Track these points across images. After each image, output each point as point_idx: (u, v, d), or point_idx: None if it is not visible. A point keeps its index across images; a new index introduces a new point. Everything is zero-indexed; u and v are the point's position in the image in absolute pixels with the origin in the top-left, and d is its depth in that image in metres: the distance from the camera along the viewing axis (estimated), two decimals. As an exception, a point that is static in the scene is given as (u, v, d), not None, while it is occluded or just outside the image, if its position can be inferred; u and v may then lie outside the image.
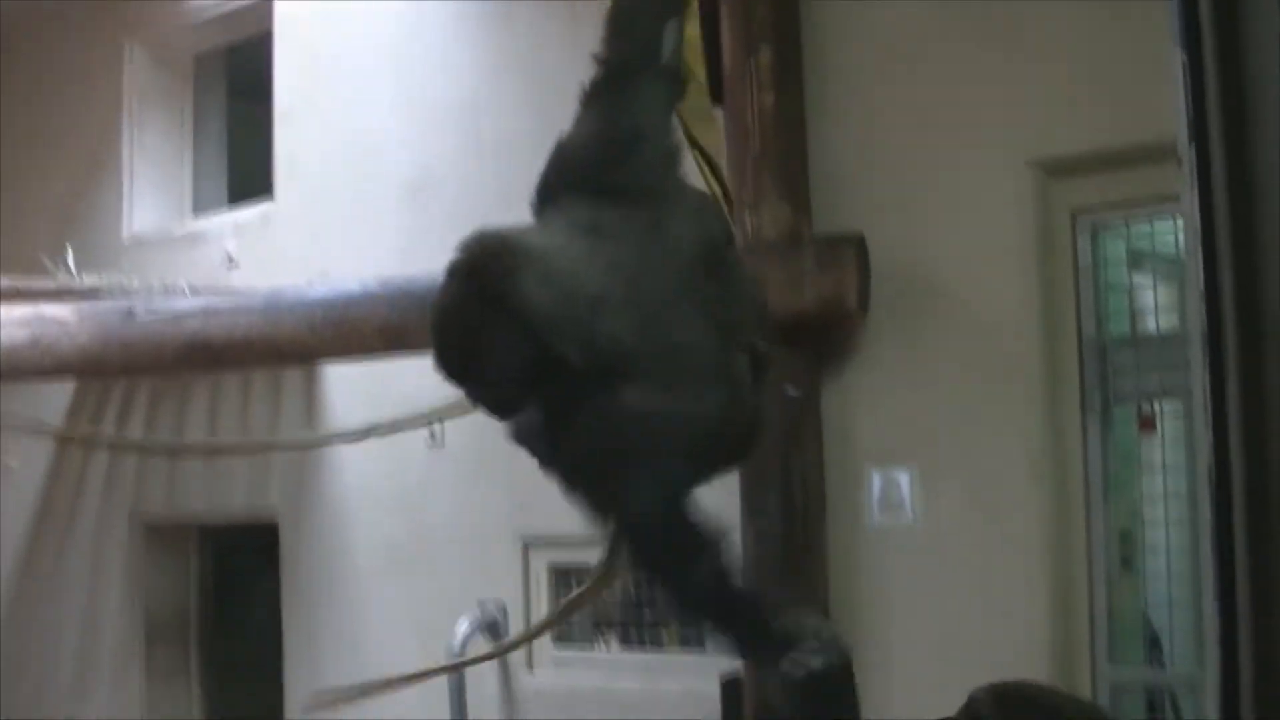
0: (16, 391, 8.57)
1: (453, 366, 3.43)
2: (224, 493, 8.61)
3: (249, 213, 9.07)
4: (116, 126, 9.73)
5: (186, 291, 8.16)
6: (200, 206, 9.79)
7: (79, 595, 9.47)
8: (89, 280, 8.20)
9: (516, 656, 7.40)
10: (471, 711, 7.39)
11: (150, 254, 9.35)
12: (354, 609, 8.07)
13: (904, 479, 6.17)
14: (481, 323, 3.31)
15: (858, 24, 6.36)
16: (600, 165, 3.66)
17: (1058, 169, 5.96)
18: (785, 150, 6.27)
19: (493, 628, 7.48)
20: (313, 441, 7.88)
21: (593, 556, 7.02)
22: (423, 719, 7.52)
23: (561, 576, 7.41)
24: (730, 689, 6.30)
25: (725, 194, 6.15)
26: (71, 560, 9.57)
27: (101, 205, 9.77)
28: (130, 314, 7.51)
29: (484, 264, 3.32)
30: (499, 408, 3.52)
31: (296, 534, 8.34)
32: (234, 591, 9.31)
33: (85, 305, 7.76)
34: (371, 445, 7.59)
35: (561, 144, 3.72)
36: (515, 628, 7.37)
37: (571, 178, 3.64)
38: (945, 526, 6.09)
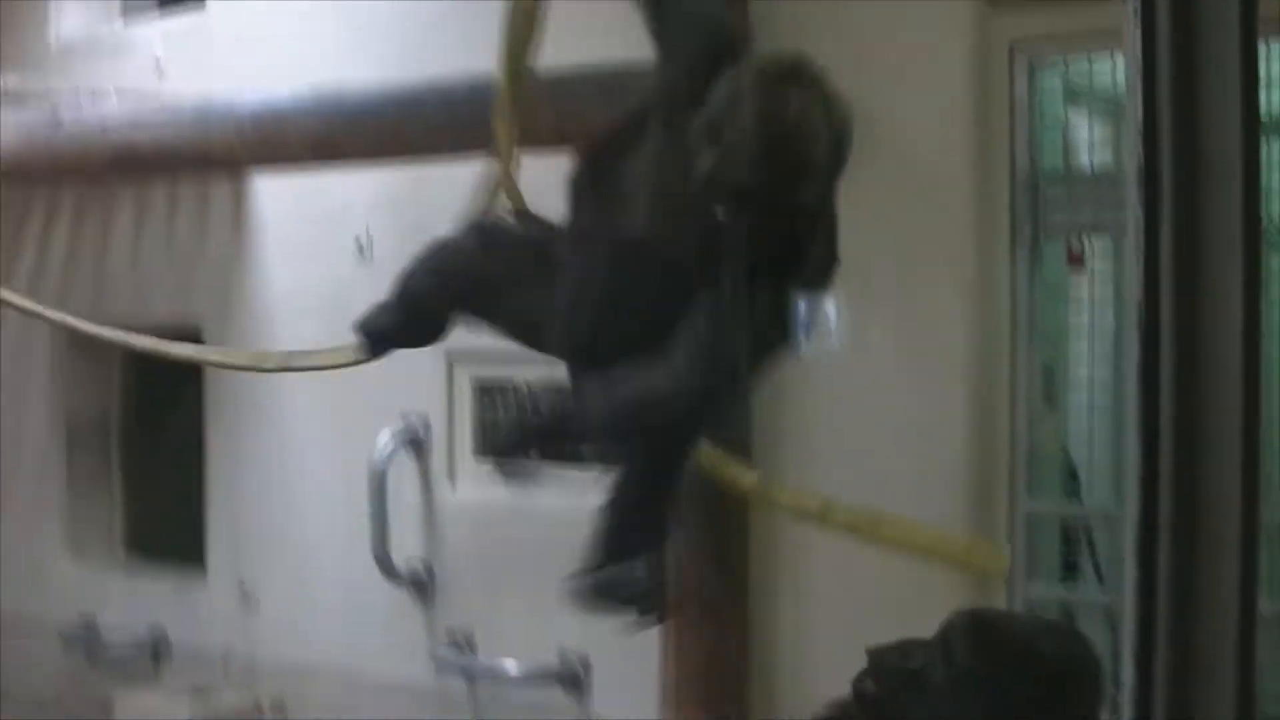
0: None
1: None
2: (148, 300, 8.56)
3: (180, 20, 8.92)
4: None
5: (114, 99, 8.05)
6: (129, 11, 9.62)
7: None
8: (13, 84, 8.07)
9: (439, 470, 7.43)
10: (392, 524, 7.42)
11: (77, 60, 9.20)
12: (277, 420, 8.07)
13: (830, 307, 6.18)
14: None
15: None
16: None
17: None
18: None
19: (415, 443, 7.50)
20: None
21: (517, 372, 7.05)
22: (343, 534, 7.57)
23: (485, 392, 7.42)
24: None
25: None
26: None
27: (26, 7, 9.58)
28: (57, 120, 7.41)
29: None
30: None
31: (220, 342, 8.31)
32: (156, 400, 9.27)
33: (10, 110, 7.65)
34: (299, 253, 7.56)
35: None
36: (438, 442, 7.38)
37: None
38: (871, 356, 6.12)
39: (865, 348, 6.12)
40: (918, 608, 5.99)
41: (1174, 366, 1.88)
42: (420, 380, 7.43)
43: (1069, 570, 6.04)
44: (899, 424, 6.05)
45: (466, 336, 7.11)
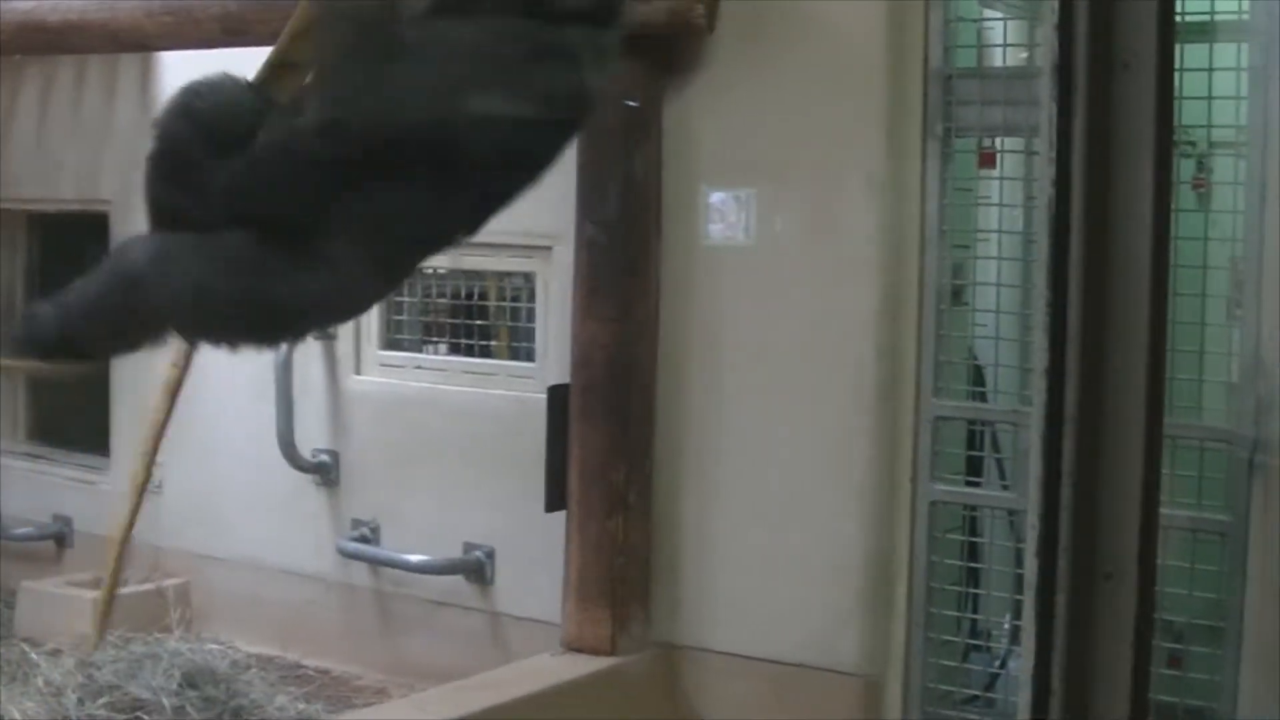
0: None
1: None
2: (54, 179, 8.44)
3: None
4: None
5: (19, -30, 7.90)
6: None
7: None
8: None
9: (344, 359, 7.38)
10: (298, 412, 7.38)
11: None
12: (183, 306, 7.98)
13: (741, 197, 6.17)
14: None
15: None
16: None
17: (916, -110, 5.90)
18: None
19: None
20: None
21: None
22: (249, 422, 7.52)
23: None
24: (556, 396, 6.35)
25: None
26: None
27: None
28: (-40, -8, 7.26)
29: None
30: None
31: (127, 223, 8.20)
32: (62, 280, 9.15)
33: (-88, -20, 7.49)
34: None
35: None
36: (345, 329, 7.31)
37: None
38: (780, 247, 6.12)
39: (773, 239, 6.11)
40: (824, 509, 6.05)
41: (1083, 264, 1.88)
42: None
43: (973, 470, 6.08)
44: (806, 318, 6.05)
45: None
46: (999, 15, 6.04)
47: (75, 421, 8.92)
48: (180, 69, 7.73)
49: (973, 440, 6.04)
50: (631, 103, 6.11)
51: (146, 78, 8.08)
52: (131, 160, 8.12)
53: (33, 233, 9.31)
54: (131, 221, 8.07)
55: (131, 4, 6.68)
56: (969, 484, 6.05)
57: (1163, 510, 2.00)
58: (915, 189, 5.89)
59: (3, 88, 8.75)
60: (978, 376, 6.17)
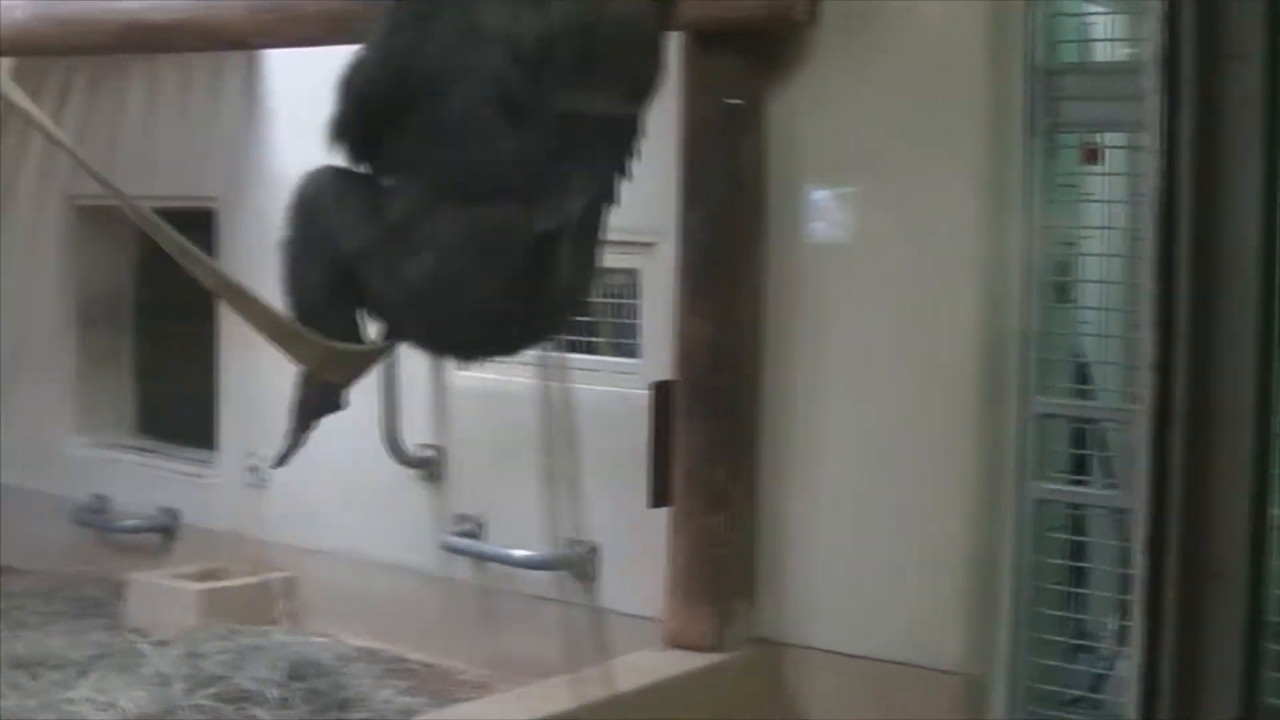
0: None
1: None
2: (161, 176, 8.52)
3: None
4: None
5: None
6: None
7: (12, 279, 9.41)
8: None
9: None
10: (403, 407, 7.43)
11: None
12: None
13: (844, 194, 6.15)
14: None
15: None
16: None
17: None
18: None
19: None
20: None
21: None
22: (354, 417, 7.55)
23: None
24: (660, 392, 6.35)
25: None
26: (4, 244, 9.49)
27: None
28: (64, -10, 7.33)
29: None
30: None
31: (234, 219, 8.28)
32: (169, 276, 9.24)
33: (19, -20, 7.58)
34: (312, 132, 7.50)
35: None
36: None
37: None
38: (883, 245, 6.09)
39: (876, 237, 6.09)
40: (927, 507, 6.01)
41: (1190, 259, 1.86)
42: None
43: (1079, 469, 6.03)
44: (908, 316, 6.02)
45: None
46: (1102, 9, 6.00)
47: (182, 414, 9.01)
48: (284, 65, 7.86)
49: (1078, 439, 5.99)
50: (734, 100, 6.10)
51: (250, 75, 8.15)
52: (236, 157, 8.25)
53: (140, 229, 9.40)
54: (237, 218, 8.18)
55: (233, 2, 6.73)
56: (1074, 482, 6.00)
57: (1273, 509, 1.97)
58: (1018, 186, 5.84)
59: (110, 88, 8.85)
60: (1082, 374, 6.12)
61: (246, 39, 6.99)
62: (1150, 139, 1.96)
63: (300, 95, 7.64)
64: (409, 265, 4.16)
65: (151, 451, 9.16)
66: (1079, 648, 6.12)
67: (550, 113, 4.02)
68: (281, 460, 4.82)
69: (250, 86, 8.17)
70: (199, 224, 8.22)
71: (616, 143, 4.24)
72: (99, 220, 9.07)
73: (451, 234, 4.11)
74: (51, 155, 9.08)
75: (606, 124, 4.18)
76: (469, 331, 4.37)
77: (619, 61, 4.16)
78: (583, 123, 4.08)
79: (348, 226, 4.28)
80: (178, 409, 9.12)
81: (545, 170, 4.05)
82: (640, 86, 4.26)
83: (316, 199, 4.41)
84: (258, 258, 8.09)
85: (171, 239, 4.43)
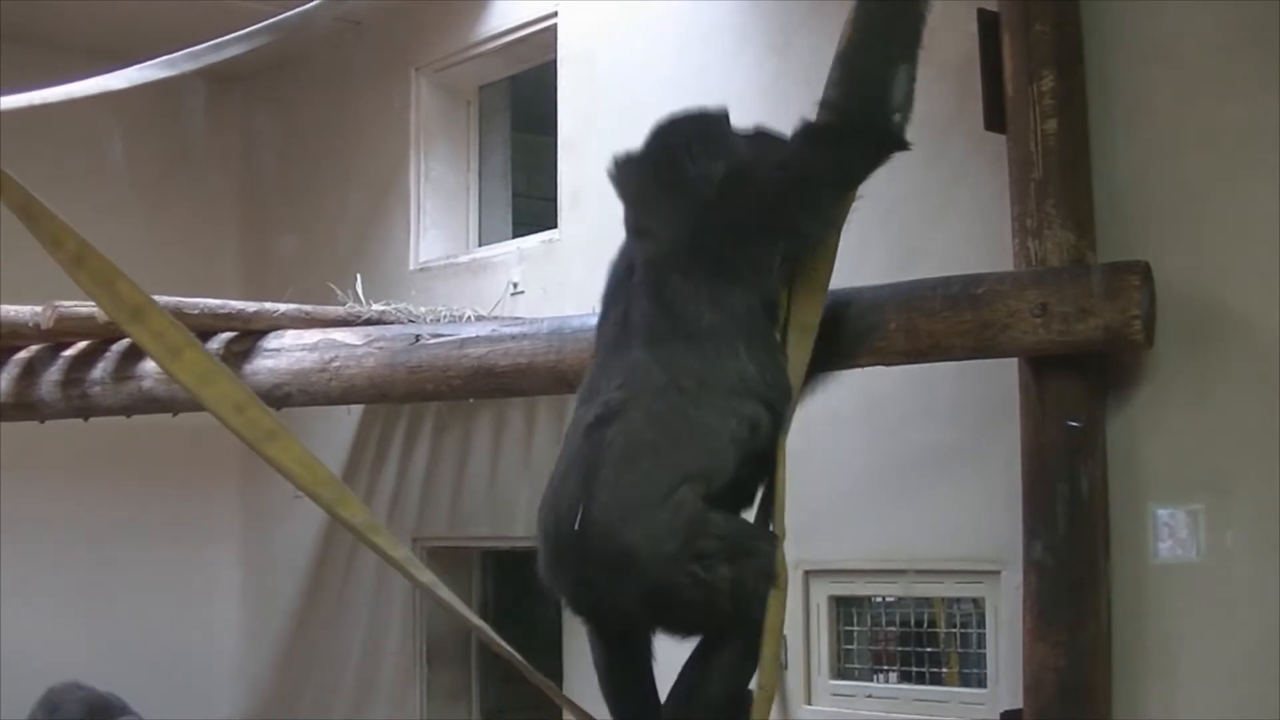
0: (307, 415, 8.74)
1: None
2: (505, 517, 8.69)
3: (532, 241, 9.16)
4: (404, 157, 9.92)
5: (471, 318, 8.27)
6: (485, 236, 9.94)
7: (362, 617, 9.64)
8: (377, 307, 8.34)
9: (794, 688, 7.35)
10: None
11: (436, 281, 9.50)
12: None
13: (1191, 513, 6.02)
14: None
15: (1143, 44, 6.22)
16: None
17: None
18: (1068, 176, 6.17)
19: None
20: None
21: (874, 587, 7.01)
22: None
23: (843, 605, 7.33)
24: (1012, 722, 6.22)
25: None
26: (355, 584, 9.74)
27: (389, 235, 9.96)
28: (416, 339, 7.61)
29: None
30: None
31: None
32: (515, 613, 9.39)
33: (373, 330, 7.89)
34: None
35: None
36: (795, 658, 7.30)
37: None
38: (1234, 564, 5.92)
39: (1226, 555, 5.93)
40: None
41: None
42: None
43: None
44: (1268, 635, 5.79)
45: (822, 551, 7.11)
46: None
47: None
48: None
49: None
50: (1075, 423, 6.04)
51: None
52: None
53: (485, 568, 9.60)
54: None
55: (577, 346, 6.90)
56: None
57: None
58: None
59: (457, 430, 9.11)
60: None
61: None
62: None
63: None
64: None
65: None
66: None
67: None
68: None
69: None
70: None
71: None
72: (446, 558, 9.27)
73: None
74: (401, 495, 9.35)
75: None
76: None
77: None
78: None
79: None
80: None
81: None
82: None
83: None
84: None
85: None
